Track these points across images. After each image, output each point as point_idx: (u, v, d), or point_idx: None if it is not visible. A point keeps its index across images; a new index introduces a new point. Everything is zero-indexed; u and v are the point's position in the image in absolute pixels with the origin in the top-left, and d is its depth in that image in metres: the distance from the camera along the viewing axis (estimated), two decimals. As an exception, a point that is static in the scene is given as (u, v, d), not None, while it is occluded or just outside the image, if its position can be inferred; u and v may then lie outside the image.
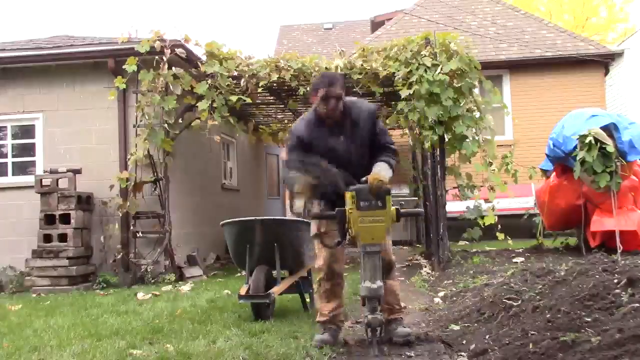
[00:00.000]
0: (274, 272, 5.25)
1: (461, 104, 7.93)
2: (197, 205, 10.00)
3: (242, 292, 5.10)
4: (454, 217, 9.83)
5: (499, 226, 8.84)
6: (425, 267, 8.20)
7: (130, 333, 4.86)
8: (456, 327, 4.43)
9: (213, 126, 8.30)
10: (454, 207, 9.75)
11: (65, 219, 8.20)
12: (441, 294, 6.03)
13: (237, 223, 5.36)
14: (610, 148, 7.48)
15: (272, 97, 9.66)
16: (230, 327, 4.77)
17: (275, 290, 5.05)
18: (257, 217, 5.34)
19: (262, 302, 5.01)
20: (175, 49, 8.23)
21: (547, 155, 8.76)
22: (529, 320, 3.87)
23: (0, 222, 8.90)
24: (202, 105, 8.02)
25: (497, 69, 13.15)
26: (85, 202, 8.50)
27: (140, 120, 8.40)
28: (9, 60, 9.05)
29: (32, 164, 9.22)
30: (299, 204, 4.27)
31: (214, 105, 8.11)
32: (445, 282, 6.69)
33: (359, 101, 4.28)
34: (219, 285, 7.57)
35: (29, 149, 9.29)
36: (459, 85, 7.91)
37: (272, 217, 5.81)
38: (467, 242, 10.58)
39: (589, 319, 3.52)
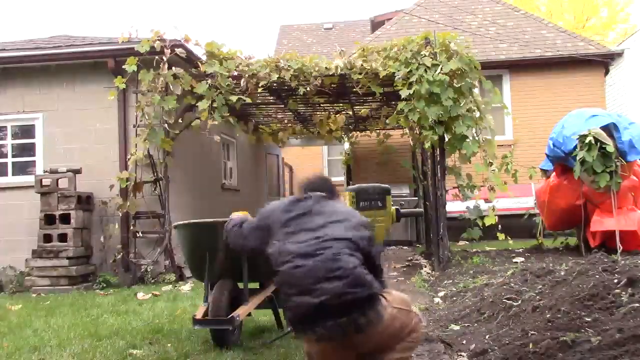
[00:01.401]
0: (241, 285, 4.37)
1: (461, 104, 7.93)
2: (197, 205, 9.99)
3: (199, 314, 4.18)
4: (454, 217, 9.83)
5: (499, 226, 8.84)
6: (425, 267, 8.19)
7: (130, 333, 4.86)
8: (456, 327, 4.43)
9: (213, 126, 8.30)
10: (454, 207, 9.75)
11: (65, 219, 8.20)
12: (441, 294, 6.02)
13: (193, 226, 4.48)
14: (610, 148, 7.48)
15: (272, 97, 9.65)
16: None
17: (242, 311, 4.16)
18: (218, 219, 4.20)
19: (224, 328, 4.13)
20: (175, 49, 8.22)
21: (547, 155, 8.76)
22: (529, 320, 3.88)
23: (0, 222, 8.90)
24: (202, 105, 8.02)
25: (497, 69, 13.14)
26: (85, 202, 8.50)
27: (140, 120, 8.40)
28: (9, 60, 9.05)
29: (32, 164, 9.22)
30: None
31: (214, 105, 8.10)
32: (445, 282, 6.69)
33: None
34: (219, 285, 7.55)
35: (29, 149, 9.28)
36: (459, 85, 7.90)
37: None
38: (467, 242, 10.58)
39: (589, 319, 3.53)
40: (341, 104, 10.68)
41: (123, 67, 8.18)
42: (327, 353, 2.60)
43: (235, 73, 8.29)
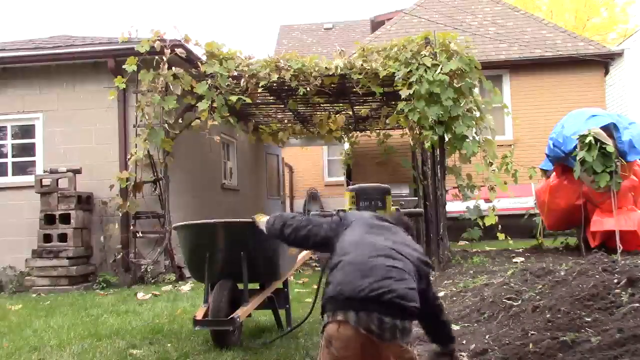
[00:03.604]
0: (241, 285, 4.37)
1: (461, 104, 7.93)
2: (197, 205, 9.99)
3: (199, 315, 4.17)
4: (454, 217, 9.83)
5: (499, 226, 8.84)
6: (425, 267, 8.17)
7: (130, 333, 4.86)
8: (456, 327, 4.43)
9: (213, 126, 8.30)
10: (454, 207, 9.75)
11: (65, 219, 8.20)
12: (441, 294, 6.01)
13: (193, 227, 4.46)
14: (610, 148, 7.48)
15: (272, 97, 9.66)
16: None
17: (242, 312, 4.18)
18: (219, 220, 4.41)
19: (224, 328, 4.15)
20: (175, 49, 8.22)
21: (547, 155, 8.76)
22: (529, 320, 3.87)
23: (0, 222, 8.89)
24: (202, 105, 8.02)
25: (497, 69, 13.14)
26: (85, 202, 8.50)
27: (140, 120, 8.41)
28: (9, 60, 9.05)
29: (32, 164, 9.22)
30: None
31: (214, 105, 8.10)
32: (445, 282, 6.68)
33: None
34: (219, 285, 7.55)
35: (29, 149, 9.28)
36: (459, 85, 7.90)
37: (237, 220, 4.42)
38: (467, 242, 10.59)
39: (589, 319, 3.52)
40: (341, 104, 10.68)
41: (123, 67, 8.18)
42: (350, 344, 2.48)
43: (235, 73, 8.29)
